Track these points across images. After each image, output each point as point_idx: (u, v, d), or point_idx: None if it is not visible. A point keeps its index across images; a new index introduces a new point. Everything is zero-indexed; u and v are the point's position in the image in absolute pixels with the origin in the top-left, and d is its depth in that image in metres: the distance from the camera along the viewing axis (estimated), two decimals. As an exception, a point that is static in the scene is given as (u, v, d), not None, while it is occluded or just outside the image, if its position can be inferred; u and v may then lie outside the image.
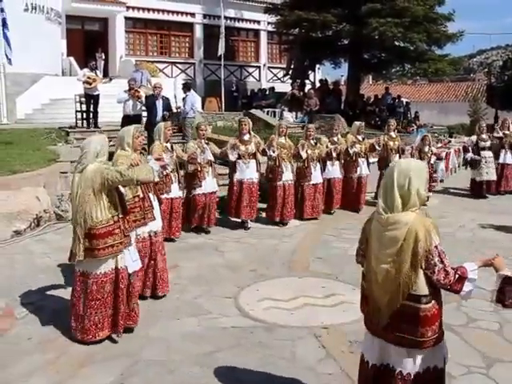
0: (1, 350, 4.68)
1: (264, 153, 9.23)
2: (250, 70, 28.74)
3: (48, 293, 5.92)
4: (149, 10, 24.91)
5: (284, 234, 8.85)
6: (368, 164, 10.98)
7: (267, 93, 23.78)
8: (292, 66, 25.84)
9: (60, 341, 4.82)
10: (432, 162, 11.57)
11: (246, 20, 27.95)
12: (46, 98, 18.03)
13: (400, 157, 11.19)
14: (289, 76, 26.39)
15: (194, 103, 14.45)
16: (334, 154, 10.24)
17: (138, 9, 24.57)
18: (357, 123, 11.44)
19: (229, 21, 25.95)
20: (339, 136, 10.80)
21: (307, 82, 26.55)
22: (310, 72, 27.22)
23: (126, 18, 24.26)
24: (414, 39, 21.23)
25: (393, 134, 11.52)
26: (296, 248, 8.05)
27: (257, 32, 28.90)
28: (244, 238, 8.65)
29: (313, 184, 9.88)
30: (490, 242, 8.37)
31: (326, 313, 5.57)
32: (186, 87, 14.80)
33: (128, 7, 23.67)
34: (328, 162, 10.28)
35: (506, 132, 12.90)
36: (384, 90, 25.19)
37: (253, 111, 19.06)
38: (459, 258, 7.68)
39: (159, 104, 12.48)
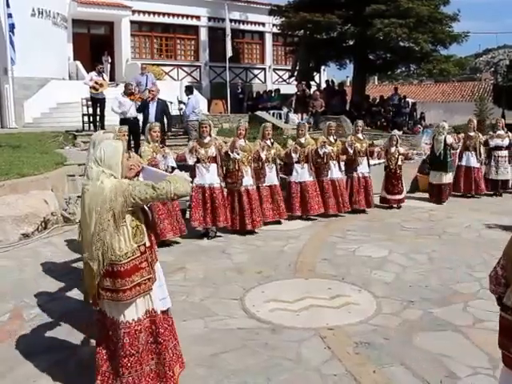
0: (9, 351, 4.72)
1: (227, 156, 8.78)
2: (256, 71, 28.82)
3: (56, 295, 5.97)
4: (154, 13, 25.03)
5: (290, 236, 8.87)
6: (340, 167, 10.47)
7: (273, 94, 23.82)
8: (297, 68, 25.88)
9: (68, 343, 4.86)
10: (399, 163, 11.14)
11: (251, 22, 28.04)
12: (54, 102, 18.20)
13: (368, 160, 10.78)
14: (294, 77, 26.44)
15: (196, 106, 14.45)
16: (294, 156, 9.77)
17: (144, 12, 24.70)
18: (327, 123, 11.04)
19: (234, 23, 26.05)
20: (307, 136, 10.25)
21: (312, 83, 26.58)
22: (315, 73, 27.25)
23: (132, 22, 24.40)
24: (418, 40, 21.20)
25: (360, 135, 10.94)
26: (302, 249, 8.07)
27: (262, 34, 28.98)
28: (250, 240, 8.68)
29: (268, 185, 9.50)
30: (496, 243, 8.33)
31: (332, 314, 5.58)
32: (189, 90, 14.85)
33: (133, 11, 23.81)
34: (296, 165, 9.90)
35: (471, 134, 12.45)
36: (390, 91, 25.19)
37: (258, 113, 19.13)
38: (465, 258, 7.74)
39: (152, 107, 12.33)
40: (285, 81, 29.18)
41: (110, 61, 22.63)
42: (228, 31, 22.50)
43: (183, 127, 15.01)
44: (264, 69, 29.09)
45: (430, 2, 22.15)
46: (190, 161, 8.58)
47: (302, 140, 10.11)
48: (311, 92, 22.63)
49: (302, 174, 9.96)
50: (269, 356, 4.65)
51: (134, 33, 24.86)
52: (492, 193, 12.78)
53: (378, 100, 23.95)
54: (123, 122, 12.71)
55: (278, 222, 9.76)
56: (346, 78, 34.46)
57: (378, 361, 4.59)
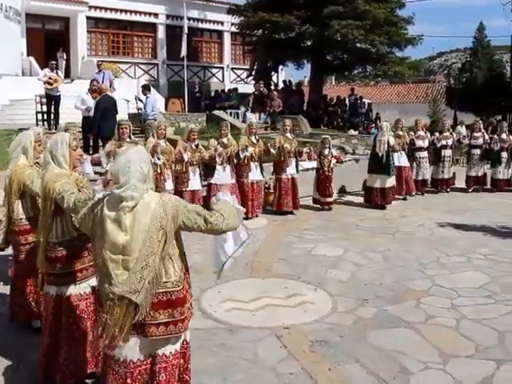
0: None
1: None
2: (214, 70, 28.73)
3: (6, 300, 5.82)
4: (111, 9, 24.67)
5: (247, 235, 8.86)
6: (262, 169, 10.13)
7: (231, 94, 23.81)
8: (255, 67, 25.95)
9: (18, 348, 4.73)
10: (332, 165, 10.80)
11: (210, 21, 27.93)
12: (6, 99, 17.69)
13: (297, 160, 10.45)
14: (252, 77, 26.49)
15: (155, 104, 14.33)
16: (219, 160, 9.40)
17: (101, 8, 24.30)
18: (248, 123, 10.66)
19: (192, 21, 25.88)
20: (229, 136, 9.83)
21: (270, 82, 26.70)
22: (273, 73, 27.37)
23: (88, 18, 23.96)
24: (375, 41, 21.59)
25: (289, 135, 10.47)
26: (259, 249, 8.08)
27: (220, 33, 28.91)
28: (208, 240, 8.60)
29: (191, 190, 9.00)
30: (447, 241, 8.58)
31: (288, 313, 5.62)
32: (147, 88, 14.72)
33: (90, 7, 23.40)
34: (218, 166, 9.46)
35: (400, 133, 12.19)
36: (347, 91, 25.53)
37: (216, 112, 19.08)
38: (418, 256, 7.91)
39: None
40: (243, 80, 29.19)
41: (65, 57, 22.14)
42: (185, 30, 22.36)
43: (140, 126, 14.83)
44: (222, 68, 29.03)
45: (386, 4, 22.57)
46: (107, 165, 7.91)
47: (225, 140, 9.70)
48: (269, 91, 22.73)
49: (224, 175, 9.51)
50: (225, 356, 4.65)
51: (90, 29, 24.44)
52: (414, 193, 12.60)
53: (334, 100, 24.22)
54: (86, 119, 12.54)
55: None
56: (304, 78, 34.68)
57: (333, 359, 4.65)
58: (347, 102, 23.88)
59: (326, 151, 10.80)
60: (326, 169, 10.72)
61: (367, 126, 21.90)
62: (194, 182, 9.13)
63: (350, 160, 13.16)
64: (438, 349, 4.84)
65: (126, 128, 8.27)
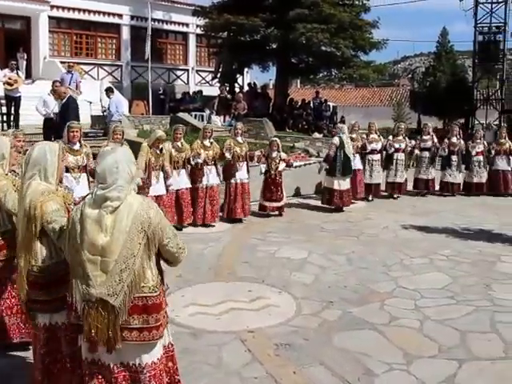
0: None
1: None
2: (179, 73, 28.52)
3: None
4: (74, 9, 24.19)
5: (211, 239, 8.80)
6: (217, 172, 9.83)
7: (195, 96, 23.67)
8: (220, 70, 25.88)
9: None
10: (280, 168, 10.52)
11: (175, 22, 27.70)
12: (-37, 100, 17.20)
13: (248, 164, 10.16)
14: (217, 79, 26.41)
15: (120, 105, 14.14)
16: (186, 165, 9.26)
17: (63, 8, 23.81)
18: (203, 126, 10.49)
19: (157, 23, 25.66)
20: (183, 141, 9.52)
21: (235, 85, 26.66)
22: (238, 75, 27.33)
23: (50, 18, 23.44)
24: (339, 45, 21.66)
25: (240, 139, 10.20)
26: (222, 252, 8.03)
27: (185, 35, 28.71)
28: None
29: (154, 196, 8.37)
30: (410, 243, 8.67)
31: (252, 317, 5.58)
32: (110, 90, 14.53)
33: (52, 6, 22.87)
34: (174, 172, 9.14)
35: (353, 136, 12.17)
36: (312, 94, 25.64)
37: (180, 115, 18.89)
38: (382, 258, 7.97)
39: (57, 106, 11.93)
40: (208, 82, 29.05)
41: (25, 57, 21.67)
42: (149, 31, 22.12)
43: (104, 128, 14.59)
44: (187, 70, 28.83)
45: (351, 8, 22.74)
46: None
47: (179, 144, 9.40)
48: (234, 94, 22.65)
49: (179, 181, 9.27)
50: (189, 361, 4.57)
51: (52, 29, 23.93)
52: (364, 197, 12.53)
53: (299, 103, 24.31)
54: (47, 121, 12.29)
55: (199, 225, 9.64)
56: (269, 81, 34.81)
57: (297, 362, 4.63)
58: (312, 105, 24.00)
59: (274, 154, 10.50)
60: (272, 172, 10.42)
61: (332, 129, 22.03)
62: (158, 188, 8.79)
63: (314, 163, 13.19)
64: (402, 350, 4.86)
65: (76, 132, 7.67)
